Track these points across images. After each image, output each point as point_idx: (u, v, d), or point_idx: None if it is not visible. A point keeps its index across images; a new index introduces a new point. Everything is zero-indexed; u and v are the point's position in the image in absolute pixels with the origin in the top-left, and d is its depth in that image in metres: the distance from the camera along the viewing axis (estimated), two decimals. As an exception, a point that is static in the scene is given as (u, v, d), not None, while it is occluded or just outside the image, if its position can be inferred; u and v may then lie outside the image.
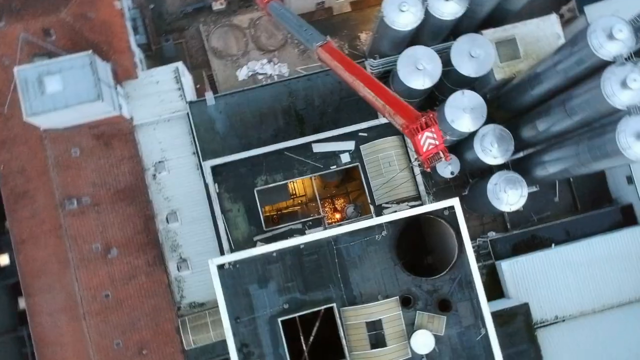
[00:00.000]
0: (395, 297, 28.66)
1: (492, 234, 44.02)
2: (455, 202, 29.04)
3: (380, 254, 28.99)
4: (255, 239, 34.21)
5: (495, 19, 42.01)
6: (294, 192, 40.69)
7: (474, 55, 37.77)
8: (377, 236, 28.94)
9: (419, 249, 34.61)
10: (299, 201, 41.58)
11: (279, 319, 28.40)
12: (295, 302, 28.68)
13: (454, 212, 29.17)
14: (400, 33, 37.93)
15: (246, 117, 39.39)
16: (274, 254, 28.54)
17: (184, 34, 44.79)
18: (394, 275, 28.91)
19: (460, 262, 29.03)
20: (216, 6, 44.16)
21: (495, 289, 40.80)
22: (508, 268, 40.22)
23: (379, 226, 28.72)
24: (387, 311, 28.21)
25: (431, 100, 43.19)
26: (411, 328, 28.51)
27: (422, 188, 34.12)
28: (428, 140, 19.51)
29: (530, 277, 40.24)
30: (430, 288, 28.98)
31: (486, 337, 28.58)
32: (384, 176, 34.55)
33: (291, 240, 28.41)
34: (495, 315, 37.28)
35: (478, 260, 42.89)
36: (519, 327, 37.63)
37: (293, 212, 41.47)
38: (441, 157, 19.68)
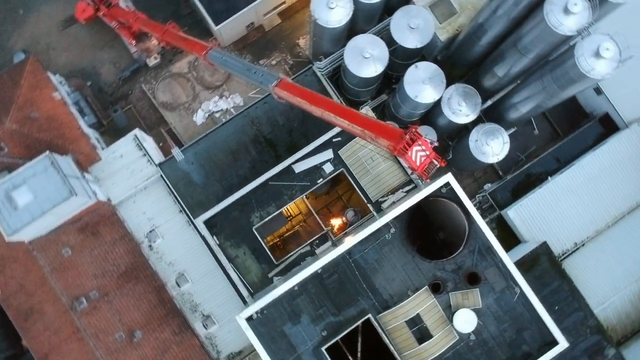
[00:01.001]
0: (424, 287, 28.67)
1: (488, 186, 44.29)
2: (449, 177, 29.03)
3: (396, 251, 28.96)
4: (270, 275, 34.00)
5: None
6: (289, 214, 40.46)
7: (413, 26, 37.74)
8: (386, 235, 28.89)
9: (427, 229, 34.59)
10: (297, 220, 41.39)
11: (322, 348, 28.30)
12: (331, 326, 28.59)
13: (451, 188, 29.15)
14: (336, 30, 37.76)
15: (219, 160, 39.01)
16: (296, 288, 28.36)
17: (130, 99, 44.11)
18: (416, 267, 28.91)
19: (473, 232, 29.09)
20: (151, 62, 43.52)
21: (509, 238, 41.10)
22: (515, 214, 40.49)
23: (385, 225, 28.64)
24: (422, 303, 28.22)
25: (387, 81, 43.25)
26: (449, 311, 28.60)
27: (411, 171, 34.12)
28: (419, 154, 19.33)
29: (538, 215, 40.54)
30: (454, 267, 29.05)
31: (522, 294, 28.74)
32: (371, 172, 34.48)
33: (307, 269, 28.23)
34: (519, 263, 37.64)
35: (484, 216, 43.16)
36: (545, 267, 37.90)
37: (295, 233, 41.33)
38: (436, 165, 19.50)
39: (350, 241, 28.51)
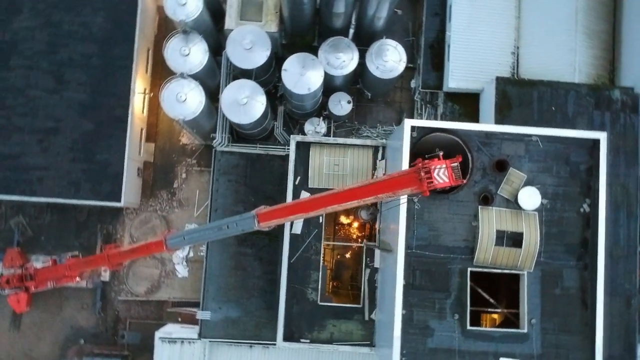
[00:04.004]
0: (478, 208, 29.02)
1: (414, 83, 44.73)
2: (410, 122, 29.02)
3: (434, 208, 29.07)
4: (367, 318, 33.88)
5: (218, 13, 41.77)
6: (325, 257, 39.86)
7: (248, 47, 37.30)
8: (416, 206, 28.94)
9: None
10: (328, 254, 41.09)
11: (468, 328, 28.56)
12: (455, 306, 28.83)
13: (419, 127, 29.22)
14: (201, 112, 37.17)
15: (233, 284, 38.85)
16: (404, 312, 28.39)
17: (120, 316, 42.69)
18: (458, 202, 29.11)
19: (464, 137, 29.41)
20: (107, 277, 42.25)
21: (472, 102, 41.95)
22: (454, 82, 41.32)
23: (409, 202, 28.57)
24: (490, 220, 28.52)
25: (270, 95, 42.74)
26: (513, 204, 29.07)
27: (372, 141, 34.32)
28: (440, 173, 19.14)
29: (469, 65, 41.27)
30: (480, 173, 29.31)
31: (539, 137, 29.38)
32: (347, 174, 34.43)
33: (397, 292, 28.07)
34: (500, 111, 38.51)
35: (435, 105, 43.70)
36: (516, 91, 38.52)
37: (338, 264, 41.22)
38: (457, 166, 19.33)
39: (398, 240, 28.44)
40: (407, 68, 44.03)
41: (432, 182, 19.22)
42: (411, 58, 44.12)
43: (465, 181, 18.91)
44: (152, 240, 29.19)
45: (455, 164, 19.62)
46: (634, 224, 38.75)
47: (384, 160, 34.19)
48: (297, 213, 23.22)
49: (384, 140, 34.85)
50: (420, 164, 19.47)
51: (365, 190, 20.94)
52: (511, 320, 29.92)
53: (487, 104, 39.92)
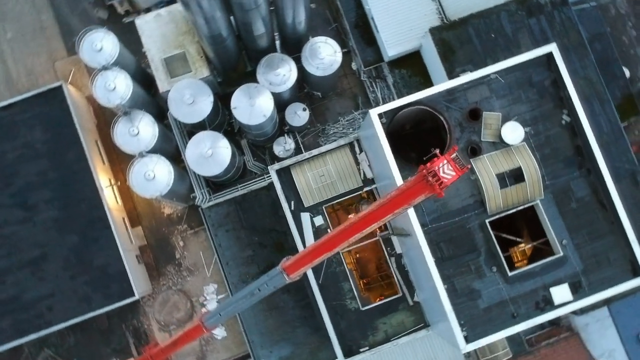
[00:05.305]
0: (470, 161, 29.23)
1: (355, 66, 44.83)
2: (375, 111, 29.07)
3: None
4: (412, 303, 34.11)
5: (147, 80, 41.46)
6: (346, 261, 40.06)
7: (189, 101, 37.19)
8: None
9: (403, 141, 34.52)
10: (348, 257, 41.25)
11: (509, 274, 28.84)
12: (489, 260, 29.06)
13: (385, 112, 29.32)
14: (174, 181, 36.87)
15: (274, 325, 38.77)
16: (446, 286, 28.52)
17: (182, 398, 42.52)
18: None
19: (429, 103, 29.62)
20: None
21: (417, 64, 42.21)
22: (392, 49, 41.49)
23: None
24: (486, 169, 28.68)
25: (229, 134, 42.59)
26: (499, 144, 29.37)
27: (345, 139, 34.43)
28: (445, 169, 19.26)
29: (395, 29, 41.51)
30: (458, 129, 29.55)
31: (499, 73, 29.68)
32: (334, 179, 34.48)
33: (432, 272, 28.27)
34: (446, 58, 38.87)
35: (382, 78, 43.83)
36: (452, 34, 39.00)
37: (361, 264, 41.43)
38: (456, 156, 19.43)
39: (412, 222, 28.60)
40: (343, 54, 44.34)
41: (441, 182, 19.42)
42: (343, 43, 44.24)
43: (470, 165, 19.02)
44: (190, 327, 28.90)
45: (454, 155, 19.77)
46: (609, 107, 39.59)
47: (363, 153, 34.30)
48: (323, 254, 23.06)
49: (352, 132, 34.92)
50: (424, 171, 19.62)
51: (380, 211, 20.99)
52: (544, 250, 30.35)
53: (431, 57, 40.21)
